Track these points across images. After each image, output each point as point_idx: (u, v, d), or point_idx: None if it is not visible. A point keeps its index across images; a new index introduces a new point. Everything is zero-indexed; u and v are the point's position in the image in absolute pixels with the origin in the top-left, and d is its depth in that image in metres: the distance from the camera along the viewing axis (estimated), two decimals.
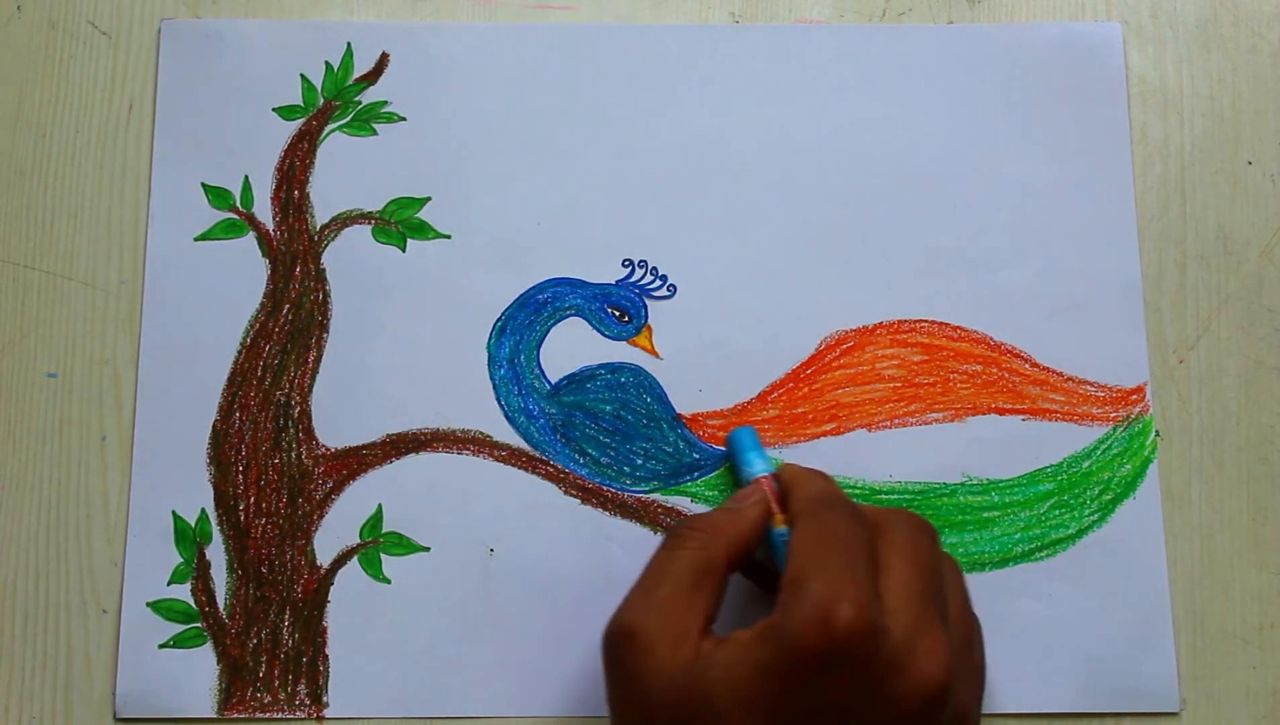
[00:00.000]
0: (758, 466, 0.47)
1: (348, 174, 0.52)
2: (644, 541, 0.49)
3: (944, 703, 0.38)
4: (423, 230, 0.51)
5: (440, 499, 0.49)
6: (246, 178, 0.52)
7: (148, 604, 0.48)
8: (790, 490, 0.44)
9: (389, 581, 0.49)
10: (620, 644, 0.40)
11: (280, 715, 0.48)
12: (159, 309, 0.50)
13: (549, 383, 0.50)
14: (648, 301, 0.51)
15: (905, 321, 0.51)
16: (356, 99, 0.52)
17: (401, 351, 0.50)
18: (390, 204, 0.51)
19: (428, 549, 0.49)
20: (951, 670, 0.39)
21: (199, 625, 0.48)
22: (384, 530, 0.49)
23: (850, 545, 0.40)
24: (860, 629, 0.37)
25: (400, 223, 0.51)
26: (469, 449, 0.50)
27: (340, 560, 0.49)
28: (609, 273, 0.51)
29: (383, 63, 0.53)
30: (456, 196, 0.52)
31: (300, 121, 0.52)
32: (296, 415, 0.50)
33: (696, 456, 0.50)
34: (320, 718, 0.48)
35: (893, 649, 0.38)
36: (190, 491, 0.49)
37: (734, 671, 0.38)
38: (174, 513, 0.49)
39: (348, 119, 0.52)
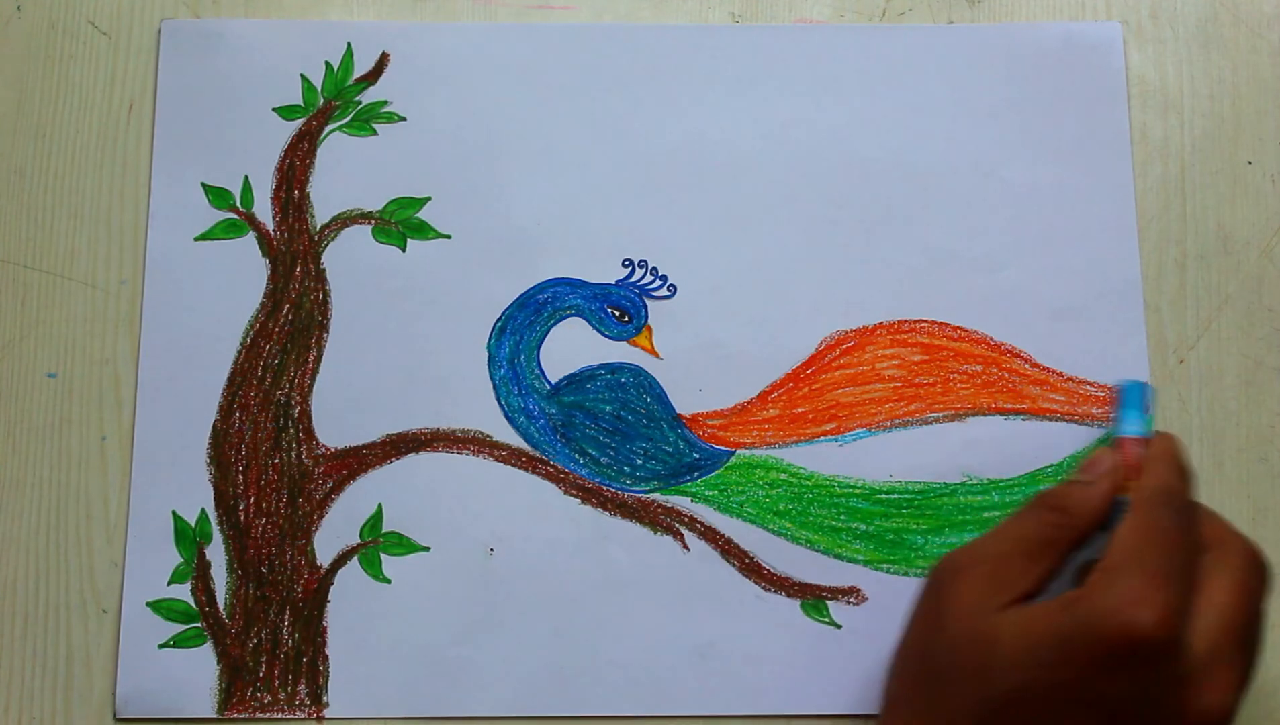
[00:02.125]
0: (1130, 427, 0.44)
1: (348, 174, 0.52)
2: (644, 541, 0.49)
3: None
4: (423, 230, 0.51)
5: (440, 499, 0.49)
6: (246, 178, 0.52)
7: (148, 604, 0.48)
8: (1145, 469, 0.42)
9: (389, 581, 0.49)
10: (946, 575, 0.41)
11: (280, 715, 0.48)
12: (159, 309, 0.50)
13: (549, 383, 0.50)
14: (648, 301, 0.51)
15: (905, 321, 0.51)
16: (356, 99, 0.52)
17: (401, 351, 0.50)
18: (390, 204, 0.51)
19: (428, 549, 0.49)
20: (1232, 714, 0.38)
21: (199, 625, 0.48)
22: (384, 530, 0.49)
23: (1176, 551, 0.39)
24: (1157, 637, 0.37)
25: (400, 223, 0.51)
26: (469, 449, 0.50)
27: (340, 560, 0.49)
28: (609, 273, 0.51)
29: (383, 63, 0.53)
30: (456, 196, 0.52)
31: (300, 121, 0.52)
32: (296, 415, 0.50)
33: (696, 456, 0.50)
34: (320, 718, 0.48)
35: (1187, 666, 0.38)
36: (190, 491, 0.49)
37: (1028, 631, 0.39)
38: (174, 513, 0.49)
39: (348, 119, 0.52)
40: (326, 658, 0.48)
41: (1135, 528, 0.40)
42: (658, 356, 0.50)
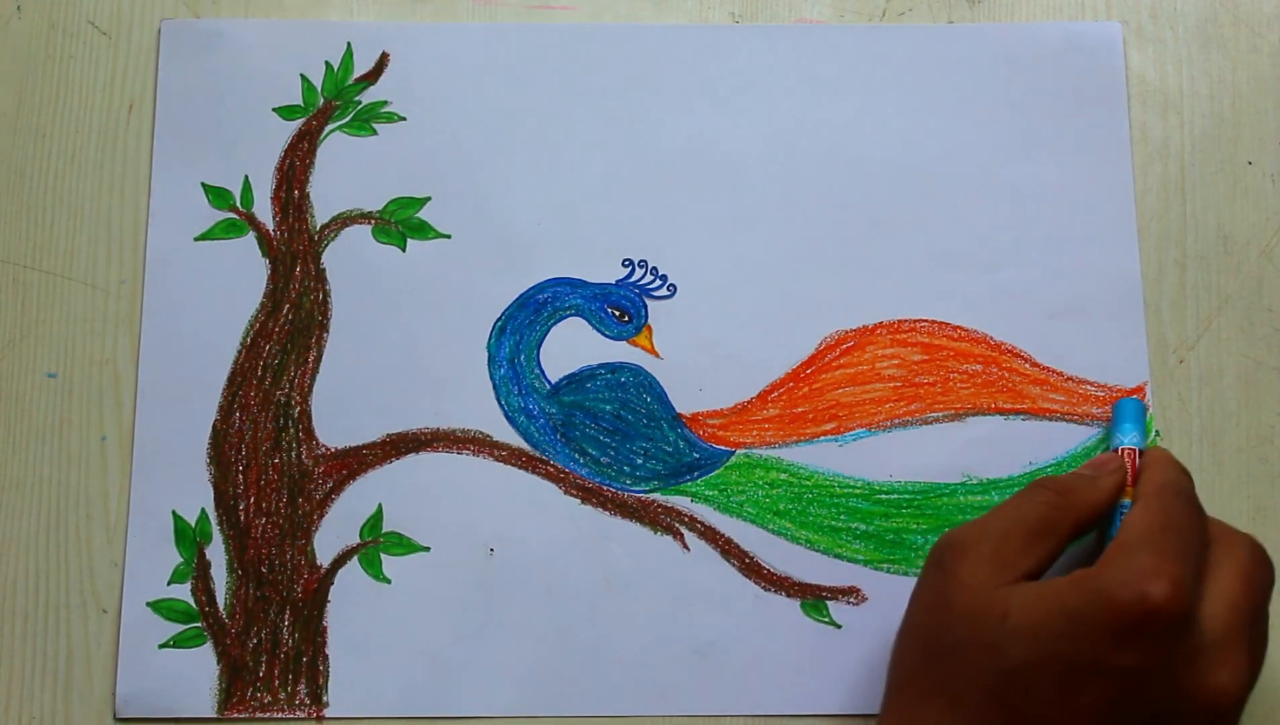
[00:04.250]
0: (1128, 438, 0.46)
1: (348, 174, 0.52)
2: (644, 541, 0.49)
3: (1227, 720, 0.38)
4: (423, 230, 0.51)
5: (440, 499, 0.49)
6: (246, 178, 0.52)
7: (148, 604, 0.48)
8: (1147, 470, 0.44)
9: (389, 581, 0.49)
10: (950, 552, 0.41)
11: (280, 715, 0.48)
12: (159, 309, 0.50)
13: (549, 383, 0.50)
14: (648, 301, 0.51)
15: (905, 321, 0.51)
16: (356, 99, 0.52)
17: (401, 351, 0.50)
18: (390, 204, 0.51)
19: (428, 549, 0.49)
20: (1245, 694, 0.39)
21: (199, 625, 0.48)
22: (384, 530, 0.49)
23: (1185, 534, 0.40)
24: (1173, 609, 0.37)
25: (400, 223, 0.51)
26: (469, 449, 0.50)
27: (340, 560, 0.49)
28: (609, 273, 0.51)
29: (383, 63, 0.53)
30: (456, 196, 0.52)
31: (300, 121, 0.52)
32: (296, 415, 0.50)
33: (696, 456, 0.50)
34: (320, 718, 0.48)
35: (1198, 645, 0.38)
36: (190, 491, 0.49)
37: (1038, 605, 0.39)
38: (174, 513, 0.49)
39: (348, 119, 0.52)
40: (326, 658, 0.48)
41: (1146, 512, 0.41)
42: (658, 356, 0.50)
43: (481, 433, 0.50)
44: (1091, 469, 0.45)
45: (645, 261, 0.51)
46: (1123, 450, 0.46)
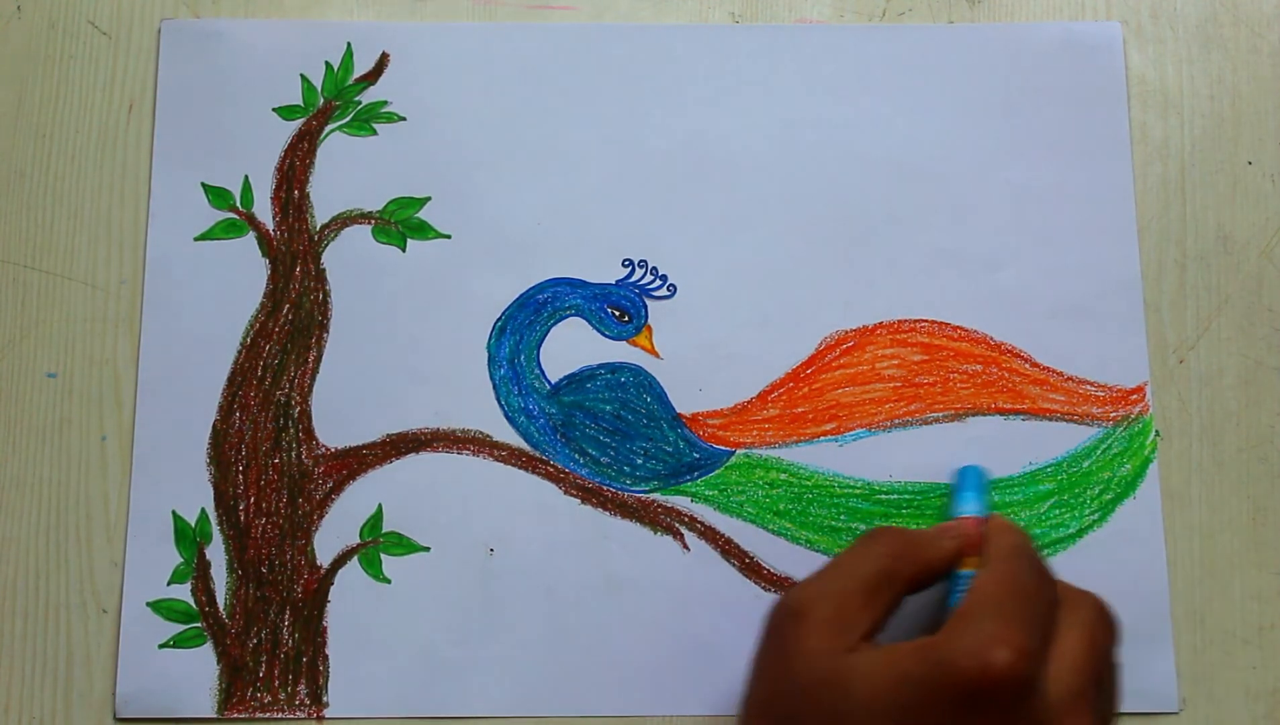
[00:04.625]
0: (969, 508, 0.46)
1: (348, 174, 0.52)
2: (644, 541, 0.49)
3: None
4: (423, 230, 0.51)
5: (440, 499, 0.49)
6: (246, 178, 0.52)
7: (148, 604, 0.48)
8: (991, 538, 0.43)
9: (389, 581, 0.49)
10: (787, 619, 0.41)
11: (280, 715, 0.48)
12: (159, 309, 0.50)
13: (549, 383, 0.50)
14: (648, 301, 0.51)
15: (905, 321, 0.51)
16: (356, 99, 0.52)
17: (401, 351, 0.50)
18: (390, 204, 0.52)
19: (428, 549, 0.49)
20: None
21: (199, 625, 0.48)
22: (384, 530, 0.49)
23: (1032, 599, 0.40)
24: (1014, 676, 0.37)
25: (400, 223, 0.51)
26: (469, 449, 0.50)
27: (340, 560, 0.49)
28: (609, 273, 0.51)
29: (383, 63, 0.53)
30: (456, 196, 0.52)
31: (300, 121, 0.52)
32: (296, 415, 0.50)
33: (696, 456, 0.50)
34: (320, 718, 0.48)
35: (1040, 712, 0.38)
36: (190, 491, 0.49)
37: (881, 676, 0.38)
38: (174, 513, 0.49)
39: (348, 119, 0.52)
40: (326, 658, 0.48)
41: (991, 578, 0.40)
42: (658, 356, 0.50)
43: (481, 433, 0.50)
44: (936, 529, 0.44)
45: (645, 261, 0.51)
46: (963, 519, 0.45)
